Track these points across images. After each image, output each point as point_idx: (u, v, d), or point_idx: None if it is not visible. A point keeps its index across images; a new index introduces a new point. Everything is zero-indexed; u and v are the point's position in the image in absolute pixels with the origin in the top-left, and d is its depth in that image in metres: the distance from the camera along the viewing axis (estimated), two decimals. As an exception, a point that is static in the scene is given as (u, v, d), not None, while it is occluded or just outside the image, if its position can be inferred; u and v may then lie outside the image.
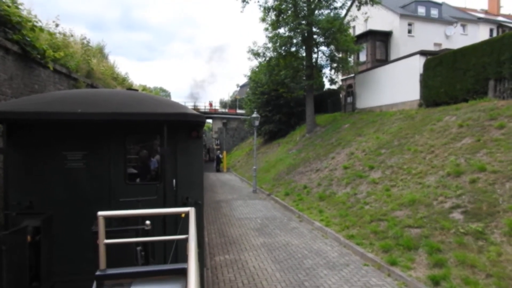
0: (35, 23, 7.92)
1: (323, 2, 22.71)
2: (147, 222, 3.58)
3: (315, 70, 23.96)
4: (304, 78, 23.99)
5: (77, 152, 4.88)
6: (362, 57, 27.32)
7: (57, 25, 10.19)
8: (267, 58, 24.45)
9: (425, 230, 7.77)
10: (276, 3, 22.17)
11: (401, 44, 27.78)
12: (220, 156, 35.17)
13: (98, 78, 12.88)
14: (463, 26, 32.72)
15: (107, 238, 2.57)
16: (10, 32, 6.84)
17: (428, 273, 6.46)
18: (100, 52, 15.80)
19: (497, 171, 8.25)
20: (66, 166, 4.85)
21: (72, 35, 11.87)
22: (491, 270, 5.91)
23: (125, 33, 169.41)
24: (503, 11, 41.18)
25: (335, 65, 23.73)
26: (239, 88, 71.85)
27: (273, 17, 22.86)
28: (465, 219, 7.45)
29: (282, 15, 22.36)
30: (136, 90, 6.64)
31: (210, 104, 55.04)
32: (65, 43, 10.37)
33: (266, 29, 23.55)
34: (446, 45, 27.49)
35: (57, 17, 10.21)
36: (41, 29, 8.26)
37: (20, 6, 7.68)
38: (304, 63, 23.61)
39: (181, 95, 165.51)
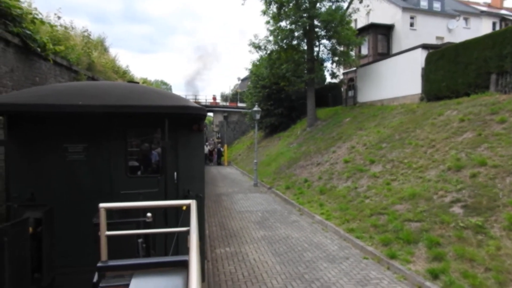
0: (35, 16, 7.90)
1: (325, -6, 22.55)
2: (149, 214, 3.60)
3: (317, 64, 23.85)
4: (305, 71, 23.89)
5: (78, 145, 4.89)
6: (364, 51, 27.17)
7: (59, 18, 10.18)
8: (268, 51, 24.32)
9: (425, 224, 7.80)
10: (277, -5, 22.00)
11: (403, 37, 27.59)
12: (221, 149, 35.19)
13: (99, 71, 12.86)
14: (466, 19, 32.47)
15: (108, 230, 2.58)
16: (10, 24, 6.82)
17: (428, 267, 6.50)
18: (101, 45, 15.75)
19: (498, 166, 8.25)
20: (67, 158, 4.87)
21: (73, 28, 11.84)
22: (490, 264, 5.94)
23: (127, 25, 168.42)
24: (506, 4, 40.90)
25: (336, 58, 23.58)
26: (240, 81, 71.59)
27: (275, 10, 22.68)
28: (465, 213, 7.47)
29: (283, 8, 22.19)
30: (137, 82, 6.64)
31: (214, 98, 54.87)
32: (66, 36, 10.35)
33: (268, 22, 23.39)
34: (449, 38, 27.32)
35: (59, 10, 10.19)
36: (42, 22, 8.23)
37: (20, -1, 7.65)
38: (306, 56, 23.49)
39: (182, 88, 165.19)
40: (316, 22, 22.14)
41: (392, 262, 7.04)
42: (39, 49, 7.65)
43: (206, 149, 34.10)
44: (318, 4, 22.27)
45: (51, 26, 9.14)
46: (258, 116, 19.66)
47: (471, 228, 6.96)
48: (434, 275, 6.20)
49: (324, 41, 23.59)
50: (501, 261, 5.91)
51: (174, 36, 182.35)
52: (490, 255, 6.13)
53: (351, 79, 25.90)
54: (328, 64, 25.95)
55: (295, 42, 23.47)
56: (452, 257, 6.51)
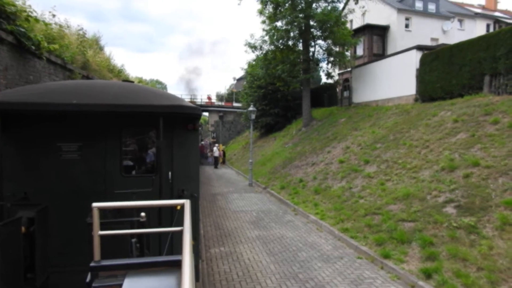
0: (30, 13, 7.85)
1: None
2: (142, 214, 3.58)
3: (312, 64, 23.86)
4: (301, 72, 23.93)
5: (72, 144, 4.86)
6: (359, 51, 27.28)
7: (53, 16, 10.12)
8: (264, 51, 24.32)
9: (419, 224, 7.86)
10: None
11: (398, 38, 27.74)
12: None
13: (94, 70, 12.80)
14: (460, 21, 32.70)
15: (102, 229, 2.57)
16: (4, 22, 6.77)
17: (421, 266, 6.55)
18: (96, 44, 15.69)
19: (491, 166, 8.32)
20: (61, 157, 4.84)
21: (68, 26, 11.77)
22: (482, 264, 5.99)
23: (125, 24, 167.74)
24: (500, 6, 41.19)
25: (332, 59, 23.66)
26: (235, 81, 71.45)
27: (271, 10, 22.72)
28: (458, 213, 7.53)
29: (279, 8, 22.23)
30: (132, 82, 6.62)
31: (209, 98, 54.71)
32: (61, 34, 10.30)
33: (264, 22, 23.43)
34: (443, 40, 27.49)
35: (53, 8, 10.15)
36: (36, 20, 8.18)
37: (14, -4, 7.60)
38: (301, 56, 23.53)
39: (178, 88, 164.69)
40: (311, 23, 22.19)
41: (385, 261, 7.08)
42: (33, 47, 7.60)
43: (217, 151, 32.34)
44: (314, 5, 22.34)
45: (46, 24, 9.08)
46: (253, 116, 19.67)
47: (464, 228, 7.02)
48: (427, 275, 6.25)
49: (320, 42, 23.73)
50: (493, 261, 5.96)
51: (172, 36, 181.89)
52: (483, 254, 6.19)
53: (347, 80, 25.99)
54: (323, 65, 26.03)
55: (290, 42, 23.53)
56: (445, 256, 6.56)
